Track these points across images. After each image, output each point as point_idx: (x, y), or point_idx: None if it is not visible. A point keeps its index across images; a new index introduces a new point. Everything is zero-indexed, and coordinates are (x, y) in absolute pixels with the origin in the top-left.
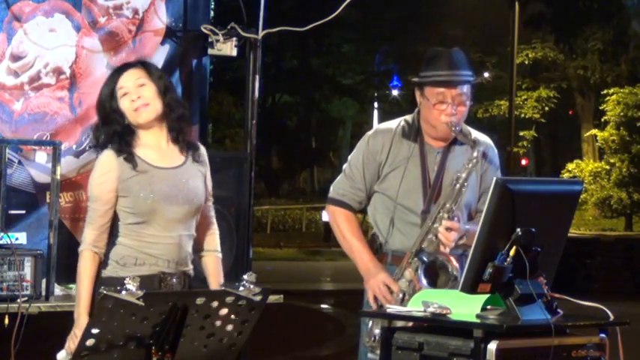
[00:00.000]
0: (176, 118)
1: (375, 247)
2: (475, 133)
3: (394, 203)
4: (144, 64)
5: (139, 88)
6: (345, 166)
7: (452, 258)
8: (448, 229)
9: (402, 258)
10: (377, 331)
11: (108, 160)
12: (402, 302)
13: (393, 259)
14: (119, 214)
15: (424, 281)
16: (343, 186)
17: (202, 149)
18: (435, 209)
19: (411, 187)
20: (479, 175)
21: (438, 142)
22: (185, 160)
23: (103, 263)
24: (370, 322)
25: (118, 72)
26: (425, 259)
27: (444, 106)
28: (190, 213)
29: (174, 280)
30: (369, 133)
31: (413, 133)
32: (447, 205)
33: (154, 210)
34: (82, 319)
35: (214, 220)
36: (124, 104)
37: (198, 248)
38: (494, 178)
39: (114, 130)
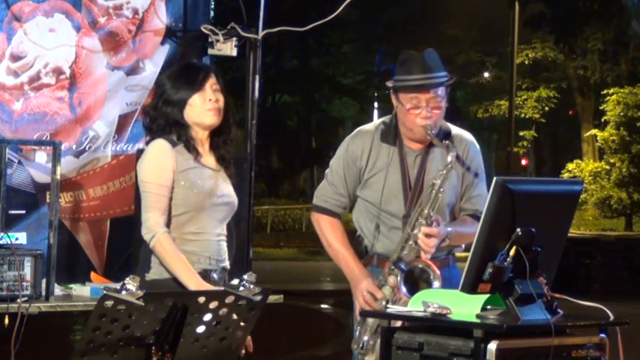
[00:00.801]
0: (225, 140)
1: (361, 250)
2: (456, 130)
3: (378, 209)
4: (217, 75)
5: (215, 92)
6: (327, 171)
7: (431, 263)
8: (427, 235)
9: (387, 261)
10: (365, 338)
11: (164, 149)
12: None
13: (379, 261)
14: None
15: (404, 289)
16: (326, 192)
17: (232, 168)
18: (413, 215)
19: (392, 193)
20: (460, 174)
21: (417, 144)
22: (221, 168)
23: (145, 266)
24: (358, 329)
25: (200, 70)
26: (403, 267)
27: (418, 110)
28: (228, 214)
29: (216, 275)
30: (348, 137)
31: (391, 136)
32: (425, 211)
33: (201, 205)
34: (203, 287)
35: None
36: (196, 100)
37: None
38: (494, 178)
39: (176, 119)
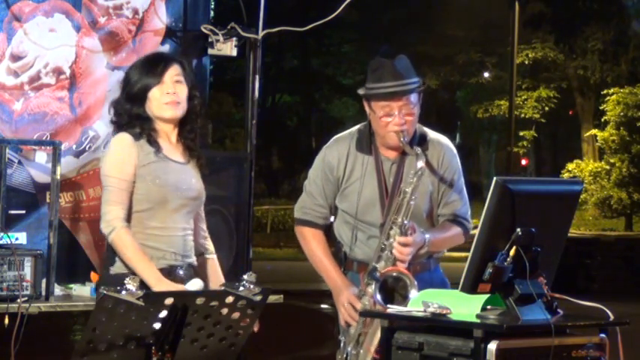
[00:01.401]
0: (190, 129)
1: (340, 257)
2: (432, 135)
3: (355, 219)
4: (182, 64)
5: (175, 84)
6: (305, 182)
7: (405, 271)
8: (402, 244)
9: (367, 267)
10: (349, 349)
11: (127, 142)
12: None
13: (359, 267)
14: None
15: (378, 297)
16: (305, 204)
17: (203, 158)
18: (387, 225)
19: (368, 202)
20: (436, 179)
21: (392, 152)
22: (189, 159)
23: (109, 259)
24: (343, 340)
25: (160, 61)
26: (377, 277)
27: (390, 118)
28: (194, 208)
29: (182, 271)
30: (325, 146)
31: (366, 144)
32: (398, 220)
33: (164, 199)
34: (162, 283)
35: (203, 212)
36: (155, 93)
37: (198, 251)
38: (494, 178)
39: (137, 113)
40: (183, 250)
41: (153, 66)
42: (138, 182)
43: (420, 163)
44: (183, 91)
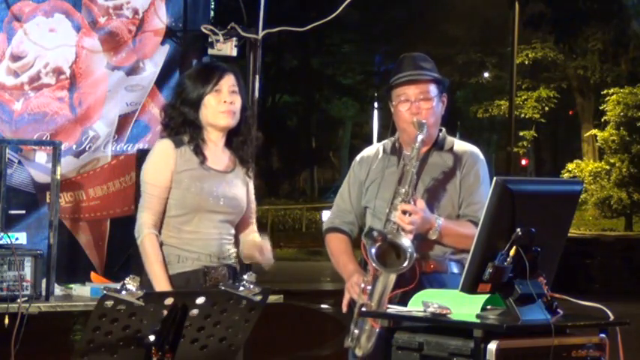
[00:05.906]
0: (243, 140)
1: (360, 259)
2: (459, 145)
3: (374, 213)
4: (237, 75)
5: (232, 94)
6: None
7: (404, 234)
8: (403, 211)
9: None
10: (356, 332)
11: (166, 149)
12: (363, 292)
13: None
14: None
15: (372, 252)
16: (332, 213)
17: (253, 166)
18: (391, 195)
19: (387, 196)
20: (458, 180)
21: None
22: (234, 167)
23: (142, 267)
24: (352, 324)
25: (216, 70)
26: (375, 237)
27: (407, 105)
28: (231, 217)
29: (221, 271)
30: (355, 159)
31: (392, 147)
32: (402, 190)
33: (199, 206)
34: None
35: (254, 224)
36: (211, 101)
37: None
38: (494, 178)
39: (191, 119)
40: (219, 252)
41: (210, 75)
42: (174, 188)
43: (420, 136)
44: (238, 101)
